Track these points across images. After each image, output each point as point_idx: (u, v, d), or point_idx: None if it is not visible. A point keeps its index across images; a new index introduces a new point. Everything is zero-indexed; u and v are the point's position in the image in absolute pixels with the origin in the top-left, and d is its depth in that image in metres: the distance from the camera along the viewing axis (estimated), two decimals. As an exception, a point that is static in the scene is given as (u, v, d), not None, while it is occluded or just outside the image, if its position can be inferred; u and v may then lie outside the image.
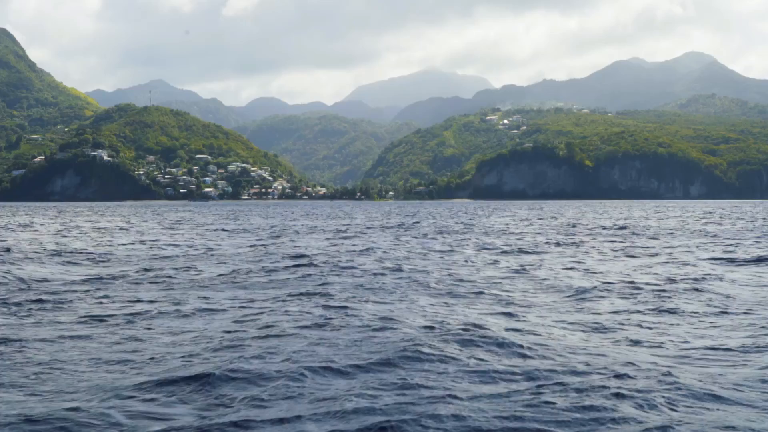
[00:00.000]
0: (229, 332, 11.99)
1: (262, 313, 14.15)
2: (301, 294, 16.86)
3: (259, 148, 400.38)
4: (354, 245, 34.31)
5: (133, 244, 35.02)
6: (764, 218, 65.92)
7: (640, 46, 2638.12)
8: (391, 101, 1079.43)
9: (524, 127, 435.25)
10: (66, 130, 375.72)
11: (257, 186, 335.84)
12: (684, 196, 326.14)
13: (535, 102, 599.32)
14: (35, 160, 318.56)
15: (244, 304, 15.28)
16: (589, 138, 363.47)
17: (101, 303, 15.36)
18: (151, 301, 15.61)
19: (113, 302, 15.46)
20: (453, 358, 10.34)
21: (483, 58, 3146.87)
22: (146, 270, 22.39)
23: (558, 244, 34.83)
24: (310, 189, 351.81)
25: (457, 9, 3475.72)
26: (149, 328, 12.57)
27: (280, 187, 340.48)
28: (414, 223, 65.18)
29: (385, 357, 10.18)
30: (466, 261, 25.73)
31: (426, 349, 10.60)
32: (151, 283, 19.17)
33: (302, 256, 27.70)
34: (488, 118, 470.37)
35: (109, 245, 33.94)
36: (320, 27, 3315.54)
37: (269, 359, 9.95)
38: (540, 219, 74.56)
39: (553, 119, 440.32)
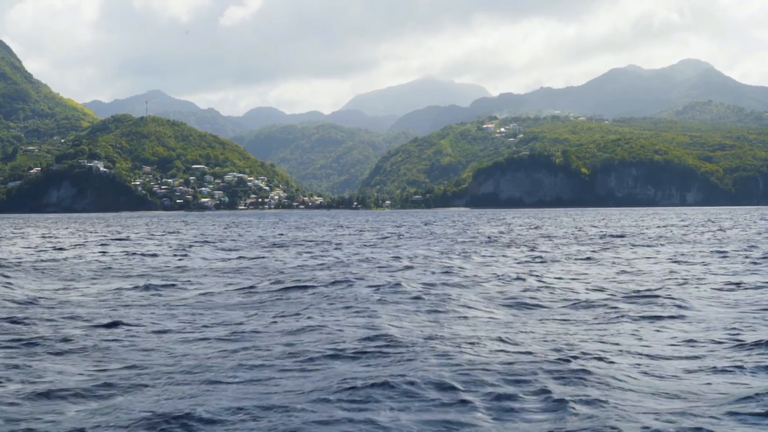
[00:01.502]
0: (96, 372, 11.19)
1: (175, 342, 13.49)
2: (223, 322, 16.21)
3: (256, 158, 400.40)
4: (322, 257, 33.71)
5: (103, 254, 34.37)
6: (750, 232, 65.44)
7: (637, 53, 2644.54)
8: (388, 110, 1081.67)
9: (521, 135, 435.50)
10: (62, 141, 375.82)
11: (254, 196, 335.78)
12: (681, 203, 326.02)
13: (532, 110, 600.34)
14: (31, 171, 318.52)
15: (157, 330, 14.58)
16: (586, 145, 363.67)
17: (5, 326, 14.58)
18: (51, 325, 14.80)
19: (23, 325, 14.68)
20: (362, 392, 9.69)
21: (481, 66, 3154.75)
22: (97, 289, 21.74)
23: (538, 259, 34.23)
24: (306, 199, 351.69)
25: (454, 17, 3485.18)
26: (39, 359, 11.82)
27: (276, 197, 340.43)
28: (391, 233, 64.55)
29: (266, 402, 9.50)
30: (424, 272, 25.09)
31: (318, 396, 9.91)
32: (78, 306, 18.50)
33: (266, 274, 27.09)
34: (485, 126, 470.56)
35: (75, 257, 33.29)
36: (318, 36, 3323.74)
37: (141, 404, 9.14)
38: (533, 229, 73.94)
39: (550, 127, 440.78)
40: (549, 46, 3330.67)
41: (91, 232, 71.10)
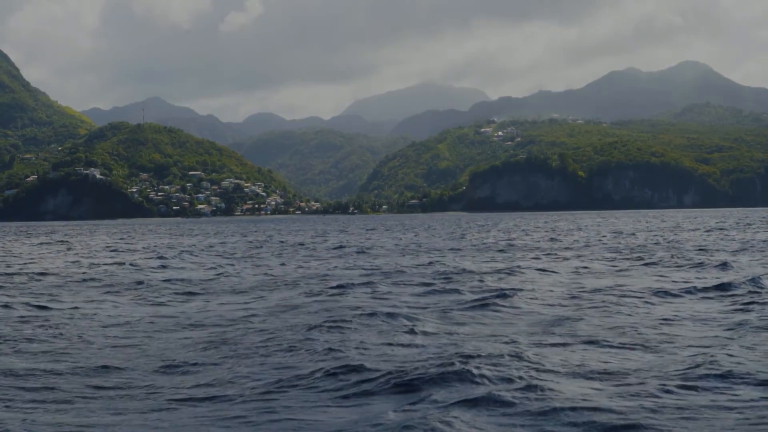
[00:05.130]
0: None
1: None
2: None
3: (253, 164, 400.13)
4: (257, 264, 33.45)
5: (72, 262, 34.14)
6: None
7: (637, 55, 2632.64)
8: (388, 115, 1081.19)
9: (518, 139, 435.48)
10: (59, 149, 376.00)
11: (250, 202, 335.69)
12: (678, 205, 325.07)
13: (531, 113, 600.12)
14: (28, 179, 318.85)
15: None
16: (583, 148, 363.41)
17: None
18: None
19: None
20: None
21: (481, 70, 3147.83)
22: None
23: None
24: (303, 204, 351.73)
25: (454, 21, 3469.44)
26: None
27: (273, 203, 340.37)
28: (347, 239, 64.20)
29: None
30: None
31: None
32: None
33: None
34: (483, 130, 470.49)
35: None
36: (318, 42, 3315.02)
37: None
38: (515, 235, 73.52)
39: (547, 130, 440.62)
40: (549, 50, 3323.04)
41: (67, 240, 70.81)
